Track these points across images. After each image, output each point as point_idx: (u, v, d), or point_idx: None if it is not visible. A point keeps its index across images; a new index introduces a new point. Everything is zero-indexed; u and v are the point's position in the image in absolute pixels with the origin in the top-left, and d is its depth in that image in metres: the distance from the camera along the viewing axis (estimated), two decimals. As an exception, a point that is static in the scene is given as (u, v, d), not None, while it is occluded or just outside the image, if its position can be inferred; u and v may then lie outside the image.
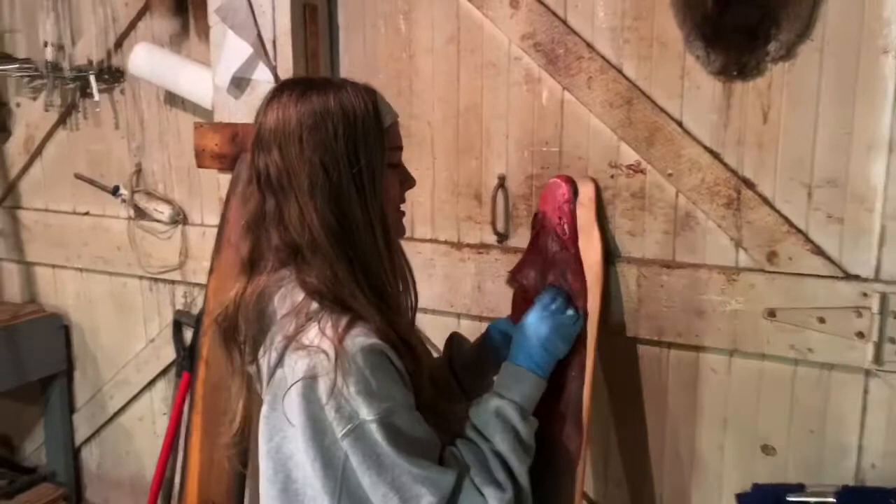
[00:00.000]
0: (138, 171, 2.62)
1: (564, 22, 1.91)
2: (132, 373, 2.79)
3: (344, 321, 1.07)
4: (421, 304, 2.08)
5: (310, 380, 1.04)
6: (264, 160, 1.12)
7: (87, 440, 2.98)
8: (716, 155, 1.81)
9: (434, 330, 2.16)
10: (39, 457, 3.07)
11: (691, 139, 1.81)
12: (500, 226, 2.04)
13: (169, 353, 2.63)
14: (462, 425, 1.17)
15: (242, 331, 1.15)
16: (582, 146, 1.94)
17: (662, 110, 1.83)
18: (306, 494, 1.08)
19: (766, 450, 1.86)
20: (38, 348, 2.81)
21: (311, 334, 1.07)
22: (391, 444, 1.03)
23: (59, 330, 2.89)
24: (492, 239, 2.07)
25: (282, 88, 1.16)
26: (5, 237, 2.93)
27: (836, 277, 1.72)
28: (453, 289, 2.13)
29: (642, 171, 1.88)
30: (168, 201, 2.57)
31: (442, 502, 1.05)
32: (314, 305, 1.10)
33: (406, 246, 2.11)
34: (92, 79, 2.52)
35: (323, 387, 1.03)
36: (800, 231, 1.75)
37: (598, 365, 1.96)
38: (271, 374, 1.12)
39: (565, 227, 1.28)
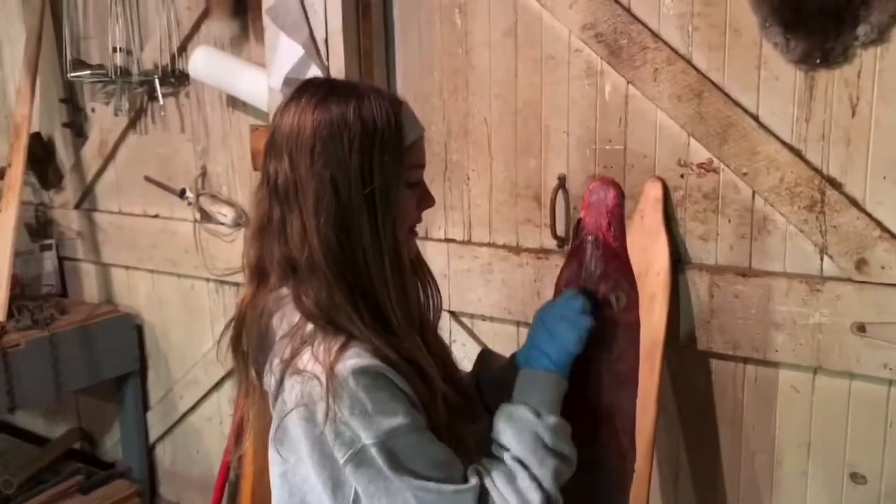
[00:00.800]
0: (203, 173, 2.64)
1: (628, 10, 1.78)
2: (200, 373, 2.82)
3: (337, 344, 1.00)
4: (478, 310, 2.11)
5: (305, 407, 0.99)
6: (275, 166, 1.06)
7: (161, 438, 3.04)
8: (797, 152, 1.65)
9: (492, 337, 2.11)
10: (117, 452, 3.16)
11: (769, 135, 1.66)
12: (560, 229, 1.94)
13: (228, 361, 2.63)
14: (480, 445, 1.07)
15: (244, 344, 1.10)
16: (648, 144, 1.82)
17: (736, 104, 1.69)
18: None
19: (856, 478, 1.70)
20: (112, 347, 2.89)
21: (305, 359, 1.01)
22: (396, 467, 0.95)
23: (133, 330, 2.95)
24: (551, 243, 1.97)
25: (302, 90, 1.08)
26: (83, 239, 3.02)
27: (938, 289, 1.54)
28: (511, 295, 2.04)
29: (714, 171, 1.75)
30: (231, 204, 2.57)
31: None
32: (309, 328, 1.03)
33: (463, 250, 2.12)
34: (156, 83, 2.55)
35: (320, 413, 0.97)
36: (894, 236, 1.58)
37: (666, 380, 1.85)
38: (275, 399, 1.07)
39: (615, 232, 1.16)
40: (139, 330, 2.98)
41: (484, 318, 2.11)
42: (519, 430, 1.03)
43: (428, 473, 0.97)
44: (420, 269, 1.19)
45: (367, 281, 1.04)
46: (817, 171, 1.63)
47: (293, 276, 1.06)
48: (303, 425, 0.99)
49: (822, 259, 1.66)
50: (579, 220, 1.19)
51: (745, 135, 1.68)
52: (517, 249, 2.03)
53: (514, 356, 1.22)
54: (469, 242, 2.11)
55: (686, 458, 1.92)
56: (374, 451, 0.95)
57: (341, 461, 0.97)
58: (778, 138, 1.66)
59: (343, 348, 0.99)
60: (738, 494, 1.86)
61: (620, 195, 1.17)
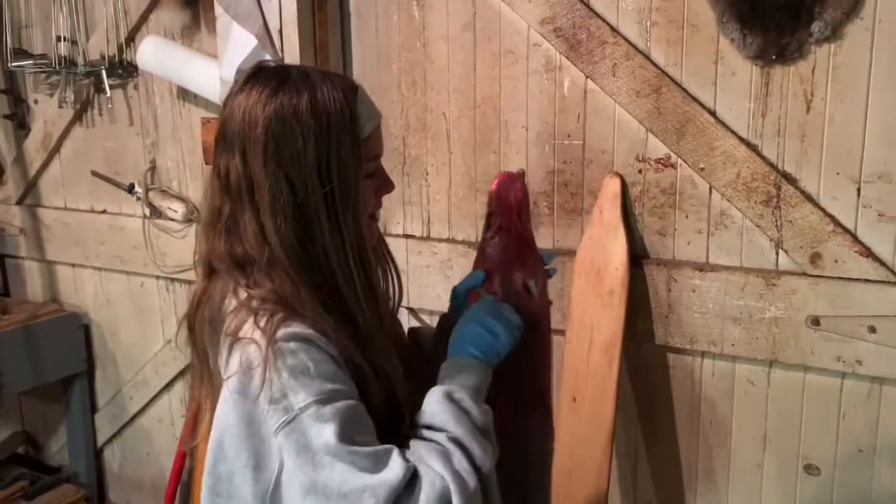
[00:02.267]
0: (153, 168, 2.56)
1: (587, 4, 1.77)
2: (151, 374, 2.74)
3: (280, 315, 0.97)
4: (437, 307, 2.09)
5: (242, 374, 0.95)
6: (226, 161, 1.02)
7: (109, 441, 2.95)
8: (753, 147, 1.66)
9: None
10: (63, 457, 3.06)
11: (726, 130, 1.67)
12: (483, 223, 1.92)
13: (187, 355, 2.57)
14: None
15: (198, 333, 1.06)
16: (607, 139, 1.81)
17: (694, 99, 1.70)
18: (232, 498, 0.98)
19: (810, 470, 1.72)
20: (58, 348, 2.79)
21: (246, 327, 0.98)
22: (330, 432, 0.90)
23: (79, 329, 2.85)
24: (511, 239, 1.95)
25: (252, 79, 1.03)
26: (26, 236, 2.91)
27: (889, 282, 1.57)
28: (471, 291, 2.01)
29: (672, 166, 1.75)
30: (182, 199, 2.50)
31: (391, 499, 0.90)
32: (255, 303, 1.00)
33: (422, 246, 2.09)
34: (104, 74, 2.46)
35: (256, 379, 0.93)
36: (847, 231, 1.60)
37: (624, 374, 1.85)
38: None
39: (525, 223, 1.20)
40: (86, 329, 2.88)
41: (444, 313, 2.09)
42: (456, 413, 0.99)
43: (359, 444, 0.92)
44: (382, 254, 1.17)
45: (331, 277, 1.01)
46: (773, 166, 1.65)
47: (241, 273, 1.02)
48: (233, 399, 0.95)
49: (777, 254, 1.68)
50: (490, 214, 1.21)
51: (703, 130, 1.69)
52: (477, 245, 2.01)
53: (442, 325, 1.22)
54: (428, 238, 2.08)
55: (644, 451, 1.92)
56: (311, 413, 0.91)
57: (273, 428, 0.92)
58: (735, 133, 1.67)
59: (286, 318, 0.97)
60: (695, 487, 1.88)
61: (525, 186, 1.21)
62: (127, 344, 2.82)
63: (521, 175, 1.22)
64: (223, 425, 0.97)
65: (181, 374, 2.66)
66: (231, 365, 0.97)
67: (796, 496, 1.74)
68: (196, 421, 1.18)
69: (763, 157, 1.65)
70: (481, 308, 1.12)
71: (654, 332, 1.81)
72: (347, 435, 0.91)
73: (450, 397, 1.00)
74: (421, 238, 2.09)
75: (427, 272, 2.07)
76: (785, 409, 1.73)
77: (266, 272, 1.00)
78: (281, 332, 0.95)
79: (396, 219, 2.11)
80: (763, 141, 1.65)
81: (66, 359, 2.83)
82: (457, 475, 0.93)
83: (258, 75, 1.03)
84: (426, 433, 0.99)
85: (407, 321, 2.12)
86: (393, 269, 1.18)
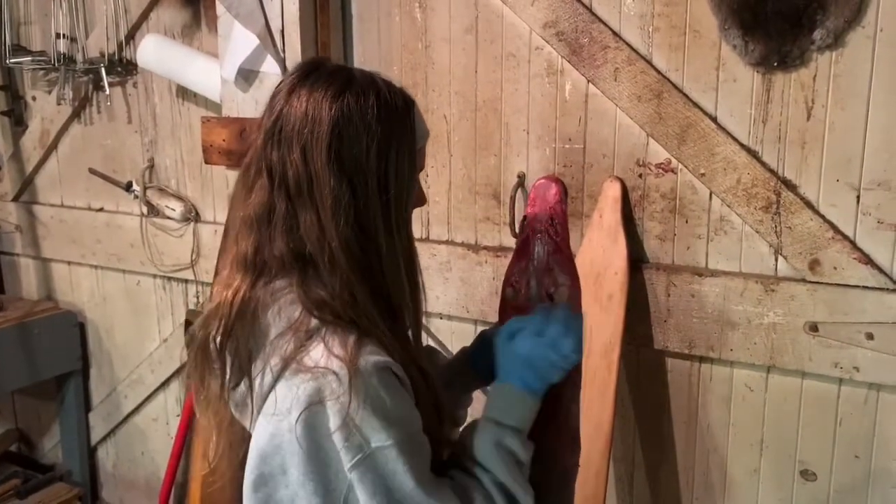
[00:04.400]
0: (151, 166, 2.55)
1: (589, 9, 1.78)
2: (146, 372, 2.73)
3: (352, 339, 0.95)
4: (436, 308, 2.09)
5: (317, 405, 0.92)
6: (281, 156, 0.98)
7: (103, 439, 2.94)
8: (753, 153, 1.67)
9: (450, 336, 2.09)
10: (57, 455, 3.04)
11: (727, 136, 1.68)
12: (518, 225, 1.92)
13: (182, 354, 2.56)
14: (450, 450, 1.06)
15: (233, 342, 1.00)
16: (608, 143, 1.82)
17: (695, 104, 1.70)
18: None
19: (806, 475, 1.73)
20: (53, 346, 2.77)
21: (316, 354, 0.94)
22: (406, 473, 0.91)
23: (74, 327, 2.84)
24: (510, 241, 1.95)
25: (313, 74, 1.00)
26: (22, 233, 2.89)
27: (887, 289, 1.58)
28: (469, 293, 2.02)
29: (673, 171, 1.75)
30: (180, 198, 2.50)
31: None
32: (313, 322, 0.97)
33: (421, 247, 2.04)
34: (103, 71, 2.45)
35: (332, 412, 0.91)
36: (846, 238, 1.61)
37: (622, 378, 1.85)
38: (263, 400, 0.99)
39: (558, 228, 1.18)
40: (81, 327, 2.87)
41: (441, 316, 2.09)
42: (505, 459, 1.01)
43: (426, 480, 0.94)
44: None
45: (386, 284, 1.00)
46: (773, 172, 1.65)
47: (300, 270, 0.99)
48: (302, 429, 0.92)
49: (776, 259, 1.68)
50: (524, 217, 1.21)
51: (704, 136, 1.69)
52: (476, 248, 2.01)
53: (464, 355, 1.21)
54: (427, 240, 2.08)
55: (642, 456, 1.93)
56: (388, 454, 0.91)
57: (347, 466, 0.91)
58: (735, 139, 1.67)
59: (360, 343, 0.94)
60: (692, 492, 1.88)
61: (563, 192, 1.20)
62: (122, 342, 2.81)
63: (557, 180, 1.21)
64: (284, 451, 0.95)
65: (176, 373, 2.66)
66: (298, 394, 0.93)
67: (792, 501, 1.75)
68: (187, 427, 1.13)
69: (763, 164, 1.66)
70: (541, 343, 1.08)
71: (653, 336, 1.81)
72: (419, 476, 0.93)
73: (500, 443, 1.02)
74: (420, 240, 2.08)
75: (426, 274, 2.02)
76: (782, 415, 1.73)
77: (327, 271, 0.97)
78: (362, 363, 0.92)
79: None
80: (763, 147, 1.66)
81: (60, 357, 2.81)
82: None
83: (319, 72, 1.00)
84: (476, 470, 1.01)
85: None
86: (422, 283, 1.16)
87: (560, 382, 1.15)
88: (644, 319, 1.81)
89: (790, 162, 1.64)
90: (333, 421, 0.91)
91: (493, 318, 1.95)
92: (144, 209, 2.56)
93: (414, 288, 1.04)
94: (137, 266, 2.64)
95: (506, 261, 1.90)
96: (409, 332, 1.04)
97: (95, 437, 2.94)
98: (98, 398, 2.92)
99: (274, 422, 0.95)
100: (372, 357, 0.93)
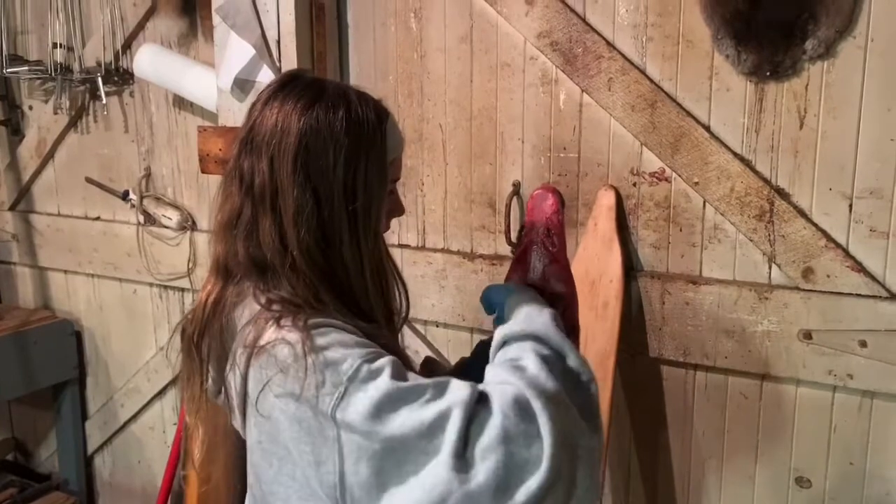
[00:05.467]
0: (147, 175, 2.56)
1: (583, 19, 1.79)
2: (143, 381, 2.73)
3: (304, 316, 0.97)
4: (431, 316, 2.10)
5: (277, 376, 0.93)
6: (251, 164, 1.01)
7: (100, 448, 2.94)
8: (746, 162, 1.68)
9: (445, 344, 2.10)
10: (53, 464, 3.04)
11: (720, 145, 1.69)
12: (515, 236, 1.93)
13: (178, 362, 2.56)
14: None
15: (206, 340, 1.04)
16: (602, 152, 1.83)
17: (689, 114, 1.71)
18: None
19: (801, 482, 1.73)
20: (49, 354, 2.77)
21: (268, 334, 0.96)
22: (385, 380, 0.87)
23: (71, 336, 2.84)
24: (506, 250, 1.96)
25: (289, 86, 1.03)
26: (18, 242, 2.89)
27: (880, 297, 1.59)
28: (465, 302, 2.02)
29: (667, 180, 1.76)
30: (176, 207, 2.50)
31: (467, 416, 0.85)
32: (275, 307, 0.99)
33: (417, 255, 2.10)
34: (99, 81, 2.46)
35: (299, 373, 0.91)
36: (839, 246, 1.62)
37: (618, 386, 1.86)
38: (242, 396, 1.00)
39: (554, 238, 1.19)
40: (78, 336, 2.87)
41: (437, 324, 2.10)
42: (548, 323, 0.99)
43: (416, 383, 0.89)
44: (390, 269, 1.16)
45: (349, 290, 1.02)
46: (766, 181, 1.66)
47: (259, 276, 1.02)
48: (279, 404, 0.92)
49: (770, 268, 1.69)
50: (522, 226, 1.21)
51: (697, 145, 1.70)
52: (471, 256, 2.02)
53: (463, 365, 1.22)
54: (423, 248, 2.09)
55: (637, 463, 1.93)
56: (359, 379, 0.88)
57: (329, 410, 0.88)
58: (729, 148, 1.68)
59: (310, 315, 0.96)
60: (687, 499, 1.88)
61: (559, 202, 1.21)
62: (119, 351, 2.81)
63: (554, 190, 1.22)
64: (276, 432, 0.93)
65: (173, 381, 2.65)
66: (259, 375, 0.94)
67: (787, 508, 1.75)
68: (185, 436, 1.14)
69: (756, 172, 1.67)
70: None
71: (648, 344, 1.82)
72: (401, 375, 0.89)
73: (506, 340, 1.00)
74: (416, 248, 2.10)
75: (422, 282, 2.07)
76: (777, 422, 1.74)
77: (287, 278, 0.99)
78: (310, 322, 0.94)
79: (392, 228, 2.10)
80: (757, 156, 1.67)
81: (57, 365, 2.81)
82: (530, 379, 0.89)
83: (294, 84, 1.03)
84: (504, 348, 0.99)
85: (402, 331, 2.12)
86: (401, 285, 1.17)
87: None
88: (639, 327, 1.82)
89: (783, 170, 1.65)
90: (300, 378, 0.90)
91: (489, 326, 2.00)
92: (141, 218, 2.56)
93: (382, 294, 1.06)
94: (134, 275, 2.64)
95: (501, 269, 1.96)
96: (381, 335, 1.04)
97: (92, 445, 2.93)
98: (95, 407, 2.92)
99: (256, 415, 0.96)
100: (318, 318, 0.95)
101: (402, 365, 0.94)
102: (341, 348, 0.91)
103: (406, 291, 1.17)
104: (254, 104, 1.05)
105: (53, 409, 2.92)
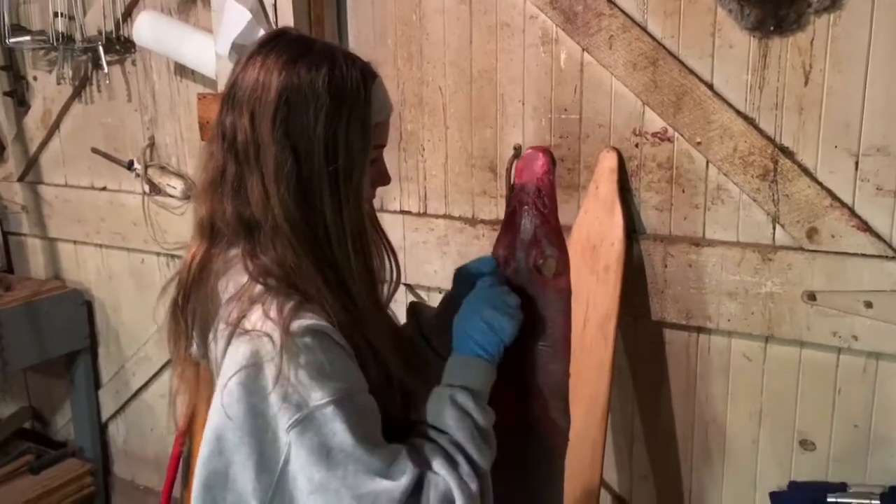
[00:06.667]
0: (151, 144, 2.56)
1: (583, -25, 1.74)
2: (153, 350, 2.76)
3: (291, 304, 0.96)
4: (434, 283, 2.09)
5: (252, 368, 0.92)
6: (233, 121, 0.99)
7: (113, 416, 2.98)
8: (750, 121, 1.64)
9: None
10: (69, 431, 3.09)
11: (723, 103, 1.65)
12: (506, 200, 1.91)
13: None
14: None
15: (191, 305, 1.03)
16: (603, 112, 1.79)
17: (691, 71, 1.67)
18: (225, 500, 0.95)
19: (805, 445, 1.72)
20: (61, 324, 2.81)
21: (254, 318, 0.95)
22: (346, 432, 0.90)
23: (82, 306, 2.87)
24: (507, 214, 1.94)
25: (273, 43, 1.01)
26: (28, 213, 2.92)
27: (886, 257, 1.55)
28: (467, 267, 2.01)
29: (669, 140, 1.73)
30: (181, 176, 2.50)
31: (402, 501, 0.92)
32: (258, 289, 0.98)
33: (419, 222, 2.09)
34: (101, 50, 2.45)
35: (268, 373, 0.91)
36: (844, 205, 1.58)
37: (620, 350, 1.85)
38: (219, 367, 1.00)
39: (545, 199, 1.17)
40: (89, 306, 2.90)
41: (440, 290, 2.09)
42: (458, 416, 0.99)
43: (372, 441, 0.92)
44: (378, 237, 1.14)
45: (331, 254, 1.00)
46: (770, 140, 1.62)
47: (247, 236, 1.00)
48: (239, 391, 0.91)
49: (774, 228, 1.66)
50: (512, 187, 1.19)
51: (700, 103, 1.66)
52: (473, 221, 2.00)
53: (447, 294, 1.21)
54: (425, 214, 2.07)
55: (640, 426, 1.92)
56: (327, 413, 0.90)
57: (285, 426, 0.90)
58: (732, 107, 1.64)
59: (297, 308, 0.95)
60: (690, 463, 1.87)
61: (550, 162, 1.18)
62: (129, 320, 2.84)
63: (545, 150, 1.19)
64: (223, 417, 0.93)
65: (183, 350, 2.68)
66: (236, 357, 0.93)
67: (791, 471, 1.74)
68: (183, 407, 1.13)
69: (760, 131, 1.63)
70: (480, 299, 1.09)
71: (650, 307, 1.80)
72: (362, 435, 0.91)
73: (453, 400, 1.01)
74: (418, 214, 2.09)
75: (424, 248, 2.06)
76: (780, 385, 1.72)
77: (270, 238, 0.98)
78: (295, 326, 0.92)
79: (393, 195, 2.10)
80: (760, 114, 1.63)
81: (68, 335, 2.85)
82: (460, 480, 0.95)
83: (278, 40, 1.01)
84: (430, 433, 1.00)
85: (405, 297, 2.11)
86: (390, 253, 1.15)
87: (543, 354, 1.15)
88: (641, 290, 1.80)
89: (787, 129, 1.61)
90: (269, 382, 0.90)
91: None
92: (146, 187, 2.57)
93: (364, 260, 1.03)
94: (141, 244, 2.66)
95: None
96: (361, 303, 1.03)
97: (105, 413, 2.98)
98: (107, 375, 2.96)
99: (222, 389, 0.95)
100: (306, 320, 0.93)
101: (368, 409, 0.95)
102: (318, 376, 0.91)
103: (396, 260, 1.15)
104: (237, 61, 1.03)
105: (67, 378, 2.96)
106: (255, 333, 0.93)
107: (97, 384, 2.97)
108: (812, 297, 1.62)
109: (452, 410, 1.00)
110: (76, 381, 2.93)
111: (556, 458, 1.23)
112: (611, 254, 1.78)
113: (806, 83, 1.58)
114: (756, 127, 1.63)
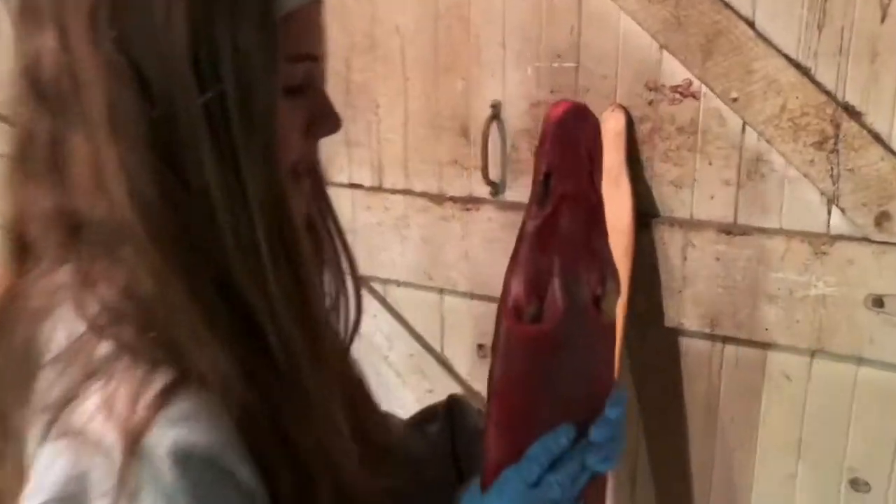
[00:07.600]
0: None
1: None
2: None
3: (157, 385, 0.55)
4: (392, 275, 1.69)
5: (70, 499, 0.52)
6: (32, 45, 0.59)
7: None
8: (804, 70, 1.31)
9: (411, 308, 1.78)
10: None
11: (768, 47, 1.32)
12: (495, 173, 1.58)
13: None
14: None
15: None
16: (608, 60, 1.45)
17: (727, 5, 1.33)
18: None
19: (857, 485, 1.45)
20: None
21: (88, 407, 0.54)
22: None
23: None
24: (483, 191, 1.60)
25: None
26: None
27: (983, 253, 1.23)
28: (433, 256, 1.67)
29: (694, 96, 1.41)
30: None
31: None
32: (103, 347, 0.57)
33: (372, 199, 1.68)
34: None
35: None
36: (929, 184, 1.26)
37: (623, 362, 1.56)
38: (28, 472, 0.60)
39: (597, 188, 0.73)
40: None
41: (399, 283, 1.75)
42: None
43: None
44: (327, 234, 0.74)
45: (223, 262, 0.58)
46: (831, 96, 1.30)
47: (77, 246, 0.60)
48: None
49: (830, 212, 1.36)
50: (540, 171, 0.74)
51: (737, 47, 1.32)
52: (440, 198, 1.65)
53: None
54: (380, 189, 1.72)
55: (647, 453, 1.64)
56: None
57: None
58: (780, 52, 1.32)
59: (167, 394, 0.55)
60: (707, 498, 1.59)
61: (599, 127, 0.74)
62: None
63: (584, 106, 0.72)
64: None
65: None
66: (47, 476, 0.55)
67: (838, 516, 1.46)
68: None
69: (817, 84, 1.31)
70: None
71: (664, 310, 1.50)
72: None
73: None
74: (370, 189, 1.73)
75: (378, 231, 1.71)
76: (828, 410, 1.44)
77: (113, 245, 0.58)
78: (153, 439, 0.53)
79: (340, 164, 1.73)
80: (818, 62, 1.30)
81: None
82: None
83: None
84: None
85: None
86: (348, 262, 0.75)
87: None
88: (653, 289, 1.50)
89: (854, 82, 1.29)
90: None
91: (464, 287, 1.64)
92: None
93: (288, 268, 0.60)
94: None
95: (477, 214, 1.57)
96: (287, 357, 0.62)
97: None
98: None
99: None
100: (175, 430, 0.53)
101: None
102: None
103: (356, 276, 0.75)
104: None
105: None
106: (83, 440, 0.54)
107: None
108: (879, 302, 1.33)
109: None
110: None
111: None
112: (616, 242, 1.43)
113: (882, 19, 1.24)
114: (812, 79, 1.31)
